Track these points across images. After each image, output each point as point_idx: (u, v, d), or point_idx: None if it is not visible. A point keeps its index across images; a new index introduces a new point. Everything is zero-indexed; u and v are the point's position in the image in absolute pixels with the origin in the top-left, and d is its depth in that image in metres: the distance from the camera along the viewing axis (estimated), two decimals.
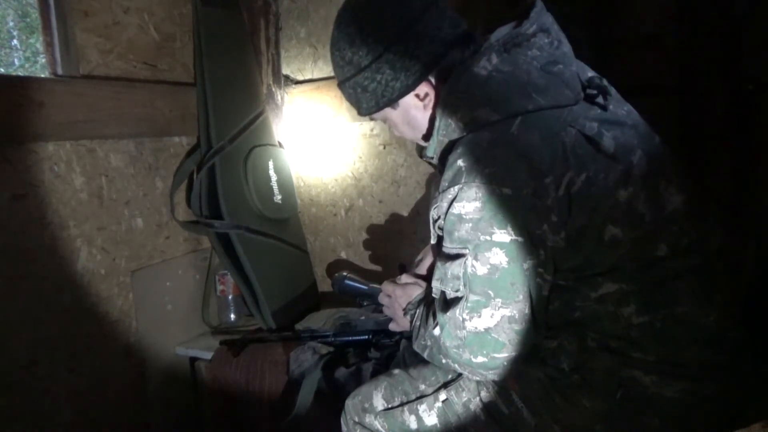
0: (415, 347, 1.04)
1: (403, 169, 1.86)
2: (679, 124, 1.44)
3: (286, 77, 2.01)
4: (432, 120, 1.00)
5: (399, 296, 1.13)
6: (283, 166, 1.87)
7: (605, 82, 0.98)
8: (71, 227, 1.43)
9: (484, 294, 0.85)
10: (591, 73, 1.00)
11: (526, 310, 0.85)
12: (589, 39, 1.45)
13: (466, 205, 0.86)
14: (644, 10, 1.48)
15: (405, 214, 1.88)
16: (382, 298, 1.19)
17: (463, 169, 0.87)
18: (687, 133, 1.43)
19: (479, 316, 0.86)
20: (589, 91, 0.95)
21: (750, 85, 1.33)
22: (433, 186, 1.03)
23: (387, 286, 1.17)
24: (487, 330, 0.86)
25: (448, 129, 0.94)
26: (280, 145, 1.92)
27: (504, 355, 0.86)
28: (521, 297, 0.84)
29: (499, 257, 0.84)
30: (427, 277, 1.14)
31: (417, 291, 1.11)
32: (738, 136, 1.37)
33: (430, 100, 1.00)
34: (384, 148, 1.88)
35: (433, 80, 0.98)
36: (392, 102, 1.01)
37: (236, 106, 1.77)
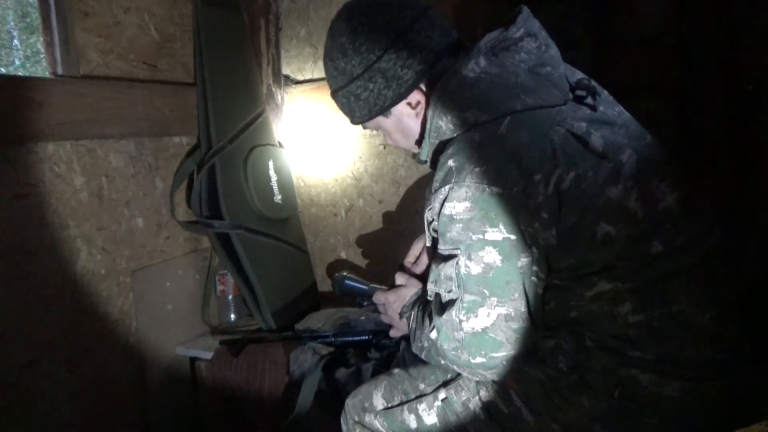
0: (414, 349, 1.04)
1: (403, 169, 1.86)
2: (679, 124, 1.44)
3: (286, 77, 2.01)
4: (424, 125, 1.01)
5: (392, 302, 1.14)
6: (283, 166, 1.87)
7: (594, 82, 0.99)
8: (71, 227, 1.43)
9: (480, 293, 0.86)
10: (580, 75, 1.01)
11: (522, 308, 0.85)
12: (589, 39, 1.45)
13: (457, 205, 0.86)
14: (644, 10, 1.48)
15: (405, 214, 1.88)
16: (379, 308, 1.20)
17: (454, 169, 0.87)
18: (687, 133, 1.43)
19: (476, 316, 0.86)
20: (578, 92, 0.96)
21: (750, 85, 1.33)
22: (427, 189, 1.03)
23: (379, 296, 1.18)
24: (485, 330, 0.86)
25: (439, 131, 0.95)
26: (280, 145, 1.92)
27: (502, 354, 0.86)
28: (517, 295, 0.85)
29: (492, 256, 0.84)
30: (423, 277, 1.14)
31: (410, 292, 1.12)
32: (738, 135, 1.37)
33: (422, 107, 1.01)
34: (384, 148, 1.88)
35: (424, 88, 1.00)
36: (384, 110, 1.02)
37: (236, 106, 1.77)
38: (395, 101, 1.00)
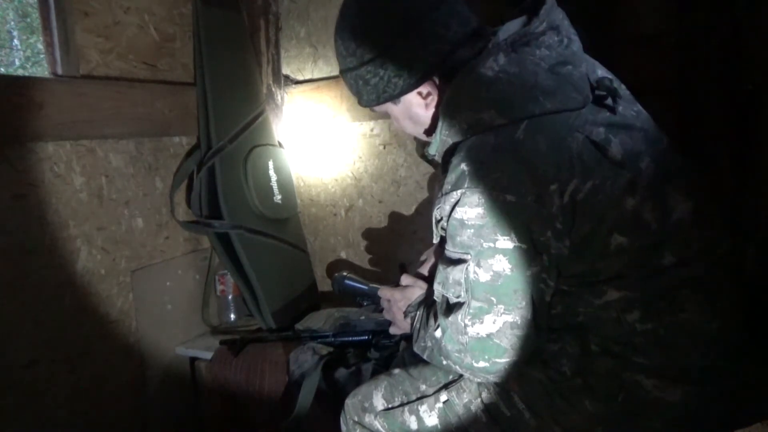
0: (416, 349, 1.03)
1: (403, 169, 1.86)
2: (679, 124, 1.44)
3: (286, 77, 2.01)
4: (435, 118, 0.98)
5: (398, 299, 1.13)
6: (283, 166, 1.87)
7: (615, 83, 0.95)
8: (71, 227, 1.43)
9: (487, 300, 0.85)
10: (601, 72, 0.98)
11: (529, 316, 0.84)
12: (589, 39, 1.45)
13: (469, 210, 0.84)
14: (644, 10, 1.48)
15: (405, 214, 1.88)
16: (382, 303, 1.19)
17: (466, 173, 0.85)
18: (687, 133, 1.43)
19: (481, 322, 0.85)
20: (597, 92, 0.92)
21: (750, 85, 1.33)
22: (436, 186, 1.02)
23: (385, 292, 1.17)
24: (489, 336, 0.85)
25: (451, 130, 0.92)
26: (280, 145, 1.92)
27: (505, 359, 0.86)
28: (524, 303, 0.84)
29: (502, 264, 0.83)
30: (429, 278, 1.14)
31: (416, 293, 1.11)
32: (738, 136, 1.37)
33: (433, 99, 0.98)
34: (384, 148, 1.88)
35: (437, 80, 0.97)
36: (393, 98, 1.00)
37: (236, 106, 1.77)
38: (405, 91, 0.98)
